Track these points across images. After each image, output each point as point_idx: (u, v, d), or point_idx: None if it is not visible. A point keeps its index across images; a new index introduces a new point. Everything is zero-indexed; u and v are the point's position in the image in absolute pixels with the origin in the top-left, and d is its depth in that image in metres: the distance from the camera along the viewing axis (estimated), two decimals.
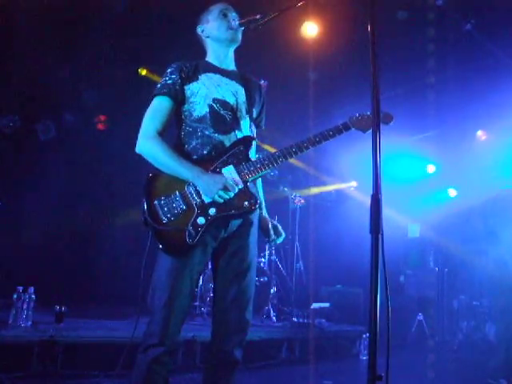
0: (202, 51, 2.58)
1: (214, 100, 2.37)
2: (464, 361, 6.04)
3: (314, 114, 6.68)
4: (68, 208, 6.83)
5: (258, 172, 2.28)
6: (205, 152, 2.31)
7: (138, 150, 2.32)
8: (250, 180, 2.28)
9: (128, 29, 5.99)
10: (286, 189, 7.12)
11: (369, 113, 2.34)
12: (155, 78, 6.59)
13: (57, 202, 6.74)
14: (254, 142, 2.41)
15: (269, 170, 2.31)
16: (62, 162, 6.87)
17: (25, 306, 4.08)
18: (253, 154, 2.42)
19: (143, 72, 6.90)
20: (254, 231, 2.44)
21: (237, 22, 2.42)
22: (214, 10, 2.50)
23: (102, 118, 7.43)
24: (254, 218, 2.43)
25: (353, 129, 2.36)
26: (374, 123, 1.68)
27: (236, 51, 2.56)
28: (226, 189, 2.20)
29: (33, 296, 4.14)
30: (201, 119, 2.35)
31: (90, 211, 7.01)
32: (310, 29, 6.02)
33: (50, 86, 6.44)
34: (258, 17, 2.33)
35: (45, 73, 6.28)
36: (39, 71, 6.23)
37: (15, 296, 4.09)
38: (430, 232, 8.09)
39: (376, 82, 1.69)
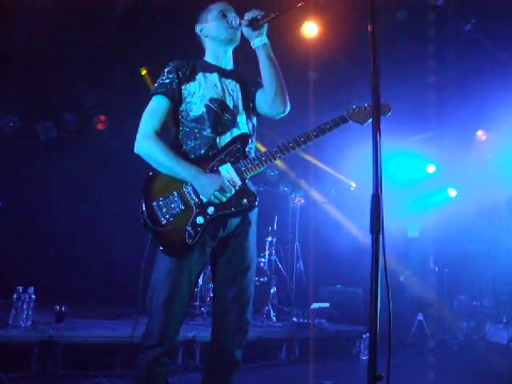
0: (201, 50, 2.58)
1: (211, 100, 2.37)
2: (464, 361, 6.04)
3: (314, 113, 6.68)
4: (68, 208, 6.82)
5: (256, 169, 2.28)
6: (202, 152, 2.31)
7: (136, 150, 2.33)
8: (248, 177, 2.28)
9: (128, 29, 5.99)
10: (285, 189, 7.12)
11: (366, 104, 2.33)
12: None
13: (57, 202, 6.74)
14: (251, 139, 2.40)
15: (267, 166, 2.31)
16: (62, 162, 6.86)
17: (25, 306, 4.08)
18: (252, 150, 2.41)
19: (143, 72, 6.90)
20: (253, 230, 2.43)
21: (237, 21, 2.41)
22: (214, 10, 2.49)
23: (102, 118, 7.43)
24: (253, 216, 2.42)
25: (350, 121, 2.35)
26: (375, 122, 1.68)
27: (235, 51, 2.56)
28: (222, 190, 2.19)
29: (33, 296, 4.14)
30: (198, 119, 2.34)
31: (90, 211, 7.01)
32: (310, 29, 6.02)
33: (50, 86, 6.44)
34: (258, 17, 2.32)
35: (45, 73, 6.28)
36: (39, 71, 6.23)
37: (15, 296, 4.08)
38: (430, 232, 8.08)
39: (376, 80, 1.69)
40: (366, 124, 2.31)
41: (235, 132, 2.38)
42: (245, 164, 2.27)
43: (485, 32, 5.85)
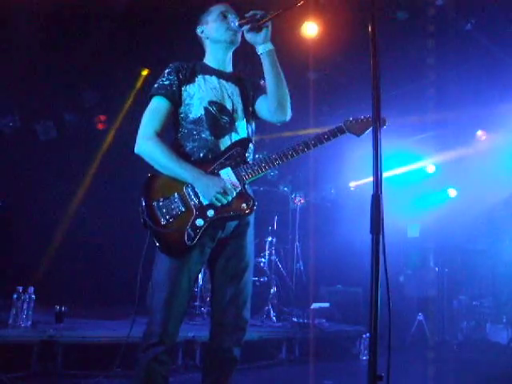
0: (202, 52, 2.58)
1: (210, 103, 2.37)
2: (464, 361, 6.04)
3: (314, 114, 6.68)
4: (68, 208, 6.82)
5: (256, 174, 2.30)
6: (201, 155, 2.32)
7: (136, 150, 2.33)
8: (247, 182, 2.30)
9: (128, 29, 5.99)
10: (285, 189, 7.12)
11: (363, 116, 2.36)
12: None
13: (57, 202, 6.74)
14: (251, 145, 2.41)
15: (266, 172, 2.33)
16: (61, 161, 6.86)
17: (25, 306, 4.08)
18: (251, 155, 2.42)
19: (145, 73, 6.91)
20: (251, 231, 2.46)
21: (236, 23, 2.41)
22: (214, 11, 2.50)
23: (102, 118, 7.43)
24: (251, 218, 2.44)
25: (347, 133, 2.37)
26: (375, 122, 1.68)
27: (235, 51, 2.56)
28: (224, 192, 2.21)
29: (33, 296, 4.14)
30: (196, 121, 2.35)
31: (90, 211, 7.00)
32: (310, 29, 6.02)
33: (49, 86, 6.44)
34: (258, 17, 2.33)
35: (45, 73, 6.28)
36: (39, 71, 6.23)
37: (15, 296, 4.08)
38: (430, 232, 8.07)
39: (377, 81, 1.69)
40: (361, 136, 2.35)
41: (234, 136, 2.39)
42: (245, 169, 2.29)
43: (485, 32, 5.85)
